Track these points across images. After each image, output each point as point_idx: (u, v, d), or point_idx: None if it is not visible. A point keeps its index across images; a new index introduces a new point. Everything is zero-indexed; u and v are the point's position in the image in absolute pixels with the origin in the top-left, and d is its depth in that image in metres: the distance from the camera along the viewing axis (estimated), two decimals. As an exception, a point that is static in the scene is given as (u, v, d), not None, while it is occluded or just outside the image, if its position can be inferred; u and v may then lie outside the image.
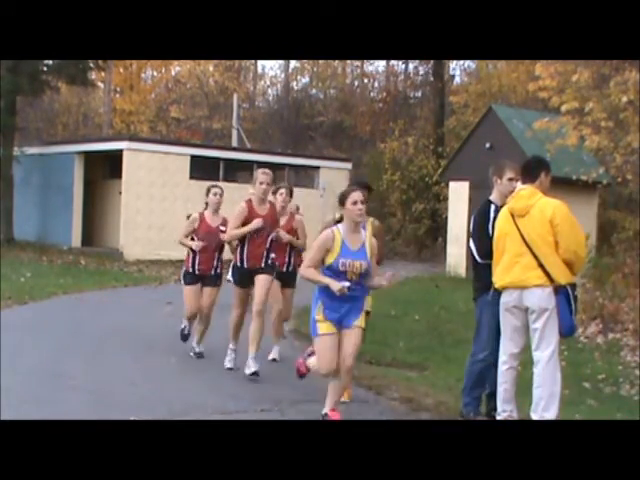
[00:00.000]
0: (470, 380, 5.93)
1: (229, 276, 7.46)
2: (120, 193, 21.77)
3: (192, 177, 22.43)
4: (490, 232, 5.76)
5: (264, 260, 7.18)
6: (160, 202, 21.84)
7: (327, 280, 5.38)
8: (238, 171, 25.14)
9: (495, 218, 5.77)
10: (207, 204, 8.06)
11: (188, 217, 8.18)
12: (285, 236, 7.56)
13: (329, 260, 5.40)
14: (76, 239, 23.04)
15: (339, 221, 5.57)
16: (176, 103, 37.34)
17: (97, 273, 17.21)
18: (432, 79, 32.02)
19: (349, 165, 26.78)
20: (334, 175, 25.22)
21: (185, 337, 8.34)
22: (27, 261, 18.45)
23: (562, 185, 13.95)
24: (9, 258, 18.17)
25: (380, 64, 39.48)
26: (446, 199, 22.42)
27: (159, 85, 38.37)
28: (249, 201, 7.20)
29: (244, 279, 7.22)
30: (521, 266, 5.43)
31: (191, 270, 8.00)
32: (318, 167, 25.38)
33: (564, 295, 5.39)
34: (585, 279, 12.20)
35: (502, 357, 5.60)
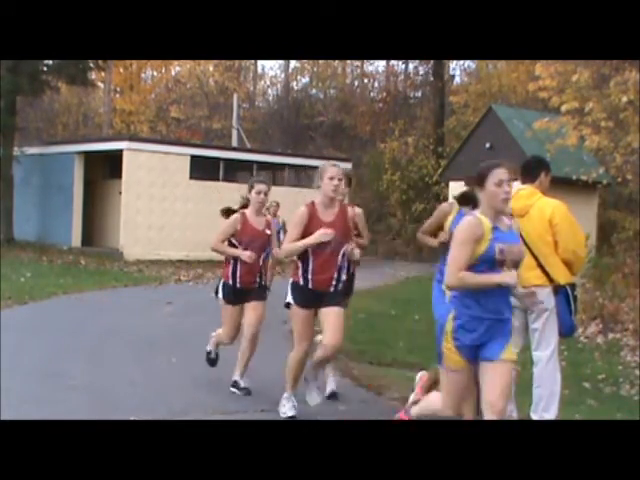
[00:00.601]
0: None
1: (289, 298, 5.75)
2: (120, 193, 21.78)
3: (192, 177, 22.46)
4: None
5: (334, 284, 5.63)
6: (160, 202, 21.85)
7: (493, 278, 4.04)
8: (238, 171, 25.14)
9: None
10: (247, 202, 6.64)
11: (226, 212, 6.75)
12: (358, 254, 5.74)
13: (480, 250, 4.06)
14: (76, 239, 23.06)
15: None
16: (176, 103, 37.39)
17: (97, 273, 17.22)
18: (432, 79, 32.05)
19: (349, 165, 26.78)
20: (334, 175, 25.18)
21: (213, 362, 7.05)
22: (27, 261, 18.46)
23: (562, 185, 13.94)
24: (9, 258, 18.18)
25: (380, 64, 39.55)
26: (446, 199, 22.42)
27: (159, 85, 38.41)
28: (312, 205, 5.69)
29: (309, 300, 5.62)
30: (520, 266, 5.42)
31: (231, 282, 6.56)
32: (318, 167, 25.39)
33: (564, 295, 5.39)
34: (585, 279, 12.20)
35: (502, 357, 5.60)
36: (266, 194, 6.56)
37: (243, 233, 6.51)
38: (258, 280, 6.59)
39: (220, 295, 6.70)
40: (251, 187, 6.56)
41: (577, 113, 12.34)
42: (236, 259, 6.53)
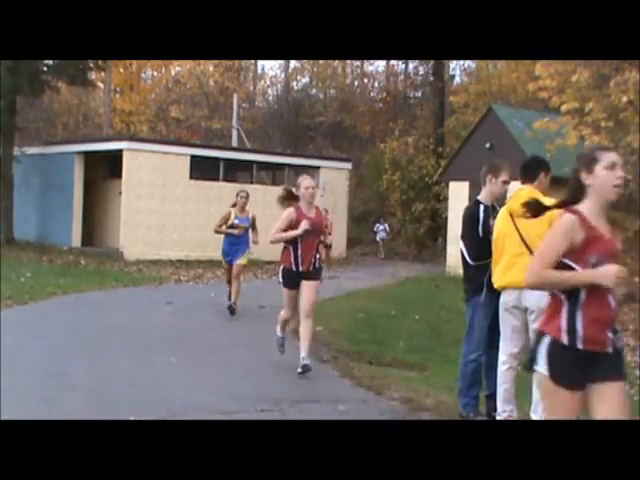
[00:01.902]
0: (465, 381, 5.93)
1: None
2: (120, 193, 21.79)
3: (192, 177, 22.47)
4: (480, 233, 5.73)
5: None
6: (160, 202, 21.86)
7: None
8: (238, 171, 25.15)
9: (485, 218, 5.76)
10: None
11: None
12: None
13: None
14: (76, 239, 23.06)
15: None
16: (176, 103, 37.44)
17: (97, 273, 17.22)
18: (432, 79, 32.07)
19: (349, 165, 26.81)
20: (334, 175, 25.24)
21: None
22: (27, 261, 18.47)
23: (562, 185, 13.93)
24: (9, 258, 18.19)
25: (380, 64, 39.64)
26: (446, 199, 22.44)
27: (159, 85, 38.47)
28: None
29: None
30: (520, 266, 5.41)
31: (567, 341, 3.51)
32: (318, 167, 25.40)
33: (564, 295, 5.37)
34: (585, 279, 12.19)
35: (502, 357, 5.60)
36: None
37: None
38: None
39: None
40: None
41: (577, 113, 12.34)
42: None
